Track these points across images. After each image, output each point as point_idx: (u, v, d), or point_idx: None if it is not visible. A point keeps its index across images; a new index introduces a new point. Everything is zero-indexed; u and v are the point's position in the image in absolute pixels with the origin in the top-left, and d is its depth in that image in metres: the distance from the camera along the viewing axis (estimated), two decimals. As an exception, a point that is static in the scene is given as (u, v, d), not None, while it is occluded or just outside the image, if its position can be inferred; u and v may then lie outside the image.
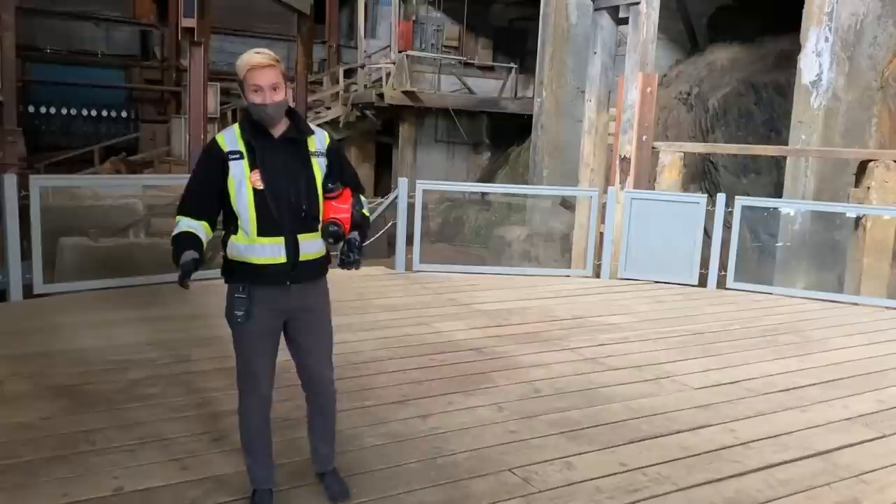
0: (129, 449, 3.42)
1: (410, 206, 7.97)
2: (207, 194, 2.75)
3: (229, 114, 19.96)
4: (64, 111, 20.47)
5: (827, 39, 8.91)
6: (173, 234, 2.74)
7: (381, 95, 18.57)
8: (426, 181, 8.89)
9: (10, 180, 6.03)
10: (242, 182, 2.69)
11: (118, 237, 9.33)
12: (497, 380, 4.63)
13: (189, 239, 2.70)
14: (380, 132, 20.37)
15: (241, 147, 2.72)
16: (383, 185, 20.01)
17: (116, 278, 6.65)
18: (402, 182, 8.12)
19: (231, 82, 20.18)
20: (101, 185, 11.21)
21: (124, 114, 21.39)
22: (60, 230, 8.09)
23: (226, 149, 2.72)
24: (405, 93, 18.47)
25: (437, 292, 7.07)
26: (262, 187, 2.69)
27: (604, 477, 3.39)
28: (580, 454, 3.62)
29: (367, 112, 19.78)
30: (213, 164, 2.74)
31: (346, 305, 6.10)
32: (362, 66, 20.59)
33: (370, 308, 6.24)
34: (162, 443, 3.50)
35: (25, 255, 6.17)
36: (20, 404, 3.89)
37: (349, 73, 20.62)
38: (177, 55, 20.92)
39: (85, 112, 20.74)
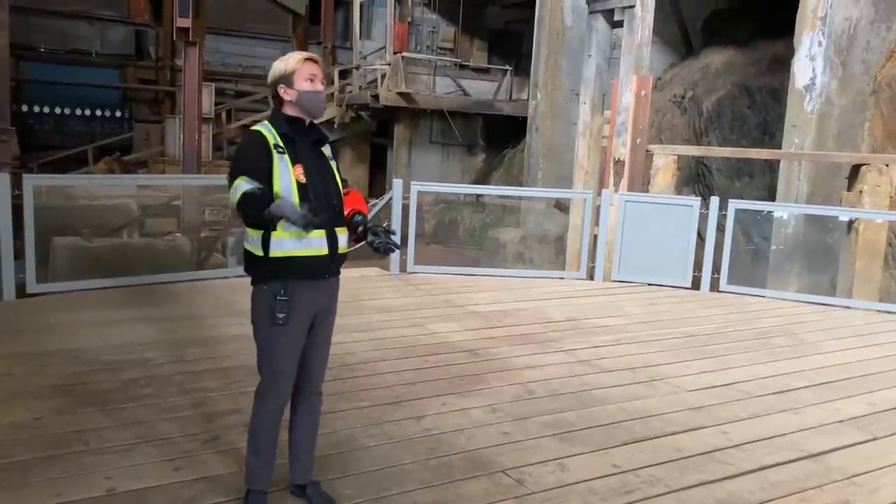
0: (123, 449, 3.41)
1: (405, 208, 7.97)
2: (259, 173, 2.72)
3: (224, 114, 19.93)
4: (58, 110, 20.40)
5: (820, 44, 8.95)
6: (243, 192, 2.67)
7: (375, 97, 18.54)
8: (421, 182, 8.89)
9: (4, 179, 6.01)
10: (288, 176, 2.74)
11: (112, 237, 9.31)
12: (491, 381, 4.64)
13: (263, 195, 2.66)
14: (374, 133, 20.35)
15: (281, 142, 2.78)
16: (378, 186, 20.00)
17: (110, 278, 6.64)
18: (397, 183, 8.12)
19: (226, 82, 20.05)
20: (94, 185, 11.18)
21: (118, 113, 21.33)
22: (54, 230, 8.07)
23: (271, 142, 2.77)
24: (400, 94, 18.45)
25: (432, 294, 7.08)
26: (304, 181, 2.76)
27: (597, 478, 3.40)
28: (573, 456, 3.63)
29: (362, 113, 19.77)
30: (262, 151, 2.74)
31: (341, 306, 5.99)
32: (357, 68, 20.57)
33: (364, 309, 6.23)
34: (155, 443, 3.49)
35: (19, 254, 6.16)
36: (13, 404, 3.88)
37: (344, 74, 20.58)
38: (171, 55, 20.88)
39: (79, 111, 20.67)
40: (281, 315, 2.75)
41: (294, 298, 2.76)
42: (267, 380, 2.88)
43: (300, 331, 2.84)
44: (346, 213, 2.91)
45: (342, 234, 2.90)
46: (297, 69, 2.80)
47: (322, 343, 2.97)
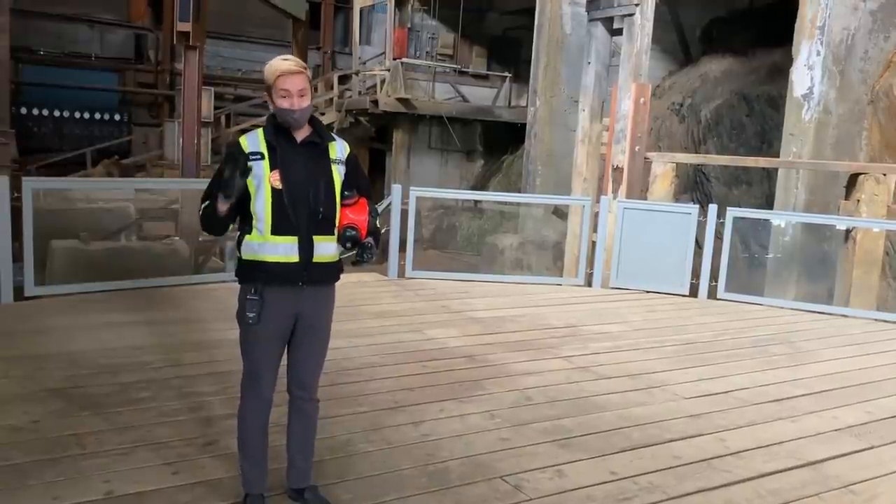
0: (121, 453, 3.41)
1: (403, 213, 7.97)
2: (229, 191, 2.78)
3: (223, 118, 19.94)
4: (57, 113, 20.38)
5: (819, 53, 8.99)
6: (203, 206, 2.86)
7: (375, 102, 18.57)
8: (419, 188, 8.88)
9: (3, 182, 6.01)
10: (262, 181, 2.76)
11: (110, 240, 9.29)
12: (489, 387, 4.63)
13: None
14: (373, 139, 20.36)
15: (263, 148, 2.79)
16: (376, 191, 19.99)
17: (108, 281, 6.63)
18: (396, 188, 8.13)
19: (225, 87, 20.10)
20: (93, 188, 11.16)
21: (117, 117, 21.31)
22: (52, 232, 8.06)
23: (247, 150, 2.78)
24: (399, 100, 18.48)
25: (430, 299, 7.08)
26: (280, 187, 2.75)
27: (595, 485, 3.40)
28: (571, 462, 3.62)
29: (361, 118, 19.79)
30: (232, 168, 2.76)
31: (339, 312, 6.00)
32: (357, 73, 20.62)
33: (363, 314, 6.23)
34: (153, 447, 3.49)
35: (17, 257, 6.15)
36: (10, 407, 3.87)
37: (344, 80, 20.63)
38: (171, 59, 20.90)
39: (78, 114, 20.65)
40: (251, 315, 2.77)
41: (266, 301, 2.78)
42: (244, 378, 2.90)
43: (275, 333, 2.83)
44: (340, 224, 2.83)
45: (324, 243, 2.83)
46: (273, 84, 2.74)
47: (311, 349, 2.93)
